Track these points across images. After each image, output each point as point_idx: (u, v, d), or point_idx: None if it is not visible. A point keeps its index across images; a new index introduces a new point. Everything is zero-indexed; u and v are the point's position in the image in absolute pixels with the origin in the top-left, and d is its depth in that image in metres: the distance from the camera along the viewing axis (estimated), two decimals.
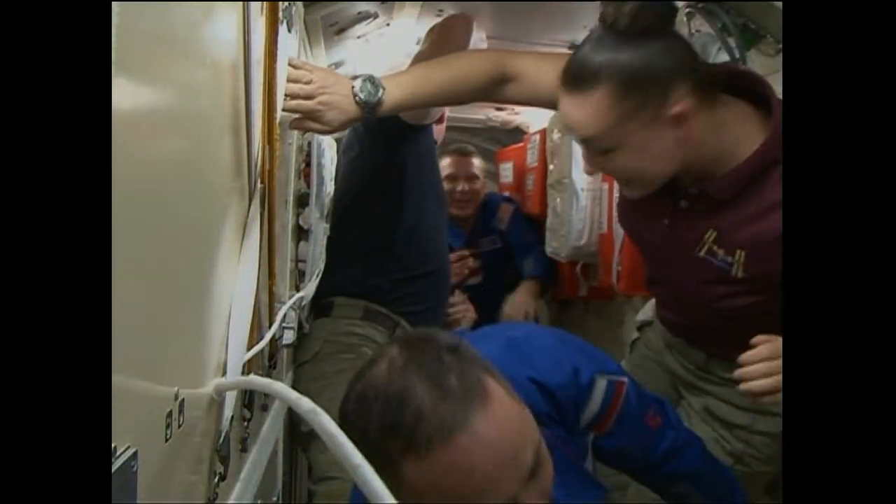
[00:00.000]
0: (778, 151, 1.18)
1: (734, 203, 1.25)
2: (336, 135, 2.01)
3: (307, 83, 1.30)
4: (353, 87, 1.33)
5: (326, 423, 0.57)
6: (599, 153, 1.22)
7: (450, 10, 2.00)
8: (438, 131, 2.14)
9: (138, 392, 0.54)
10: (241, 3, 0.83)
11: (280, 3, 1.05)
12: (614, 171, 1.26)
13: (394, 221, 1.92)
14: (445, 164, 2.79)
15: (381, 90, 1.34)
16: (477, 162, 2.88)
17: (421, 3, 1.93)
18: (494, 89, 1.43)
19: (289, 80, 1.26)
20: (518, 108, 3.04)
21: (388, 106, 1.36)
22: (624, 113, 1.17)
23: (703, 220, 1.29)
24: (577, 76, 1.20)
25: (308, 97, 1.30)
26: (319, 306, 1.90)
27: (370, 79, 1.35)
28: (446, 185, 2.68)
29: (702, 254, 1.29)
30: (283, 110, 1.24)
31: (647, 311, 1.77)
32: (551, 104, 1.42)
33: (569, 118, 1.22)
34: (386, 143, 1.89)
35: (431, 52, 1.72)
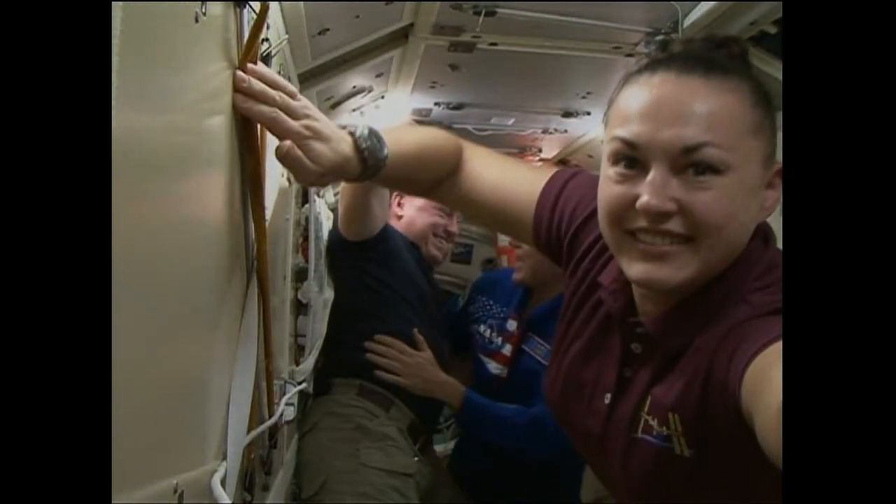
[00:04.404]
0: (745, 291, 0.89)
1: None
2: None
3: (291, 94, 0.91)
4: (351, 133, 0.98)
5: None
6: (697, 172, 0.84)
7: (442, 80, 2.05)
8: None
9: (138, 486, 0.52)
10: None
11: None
12: (704, 207, 0.84)
13: (377, 311, 1.98)
14: None
15: (385, 147, 1.01)
16: None
17: (415, 77, 1.98)
18: (448, 178, 1.17)
19: (267, 83, 0.88)
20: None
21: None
22: (754, 123, 0.86)
23: (642, 388, 0.96)
24: (707, 55, 0.89)
25: (293, 115, 0.90)
26: (320, 387, 1.95)
27: (375, 132, 1.01)
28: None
29: (639, 434, 0.95)
30: (254, 112, 0.87)
31: (595, 485, 1.62)
32: (480, 206, 1.17)
33: (697, 102, 0.84)
34: (346, 259, 1.99)
35: None
